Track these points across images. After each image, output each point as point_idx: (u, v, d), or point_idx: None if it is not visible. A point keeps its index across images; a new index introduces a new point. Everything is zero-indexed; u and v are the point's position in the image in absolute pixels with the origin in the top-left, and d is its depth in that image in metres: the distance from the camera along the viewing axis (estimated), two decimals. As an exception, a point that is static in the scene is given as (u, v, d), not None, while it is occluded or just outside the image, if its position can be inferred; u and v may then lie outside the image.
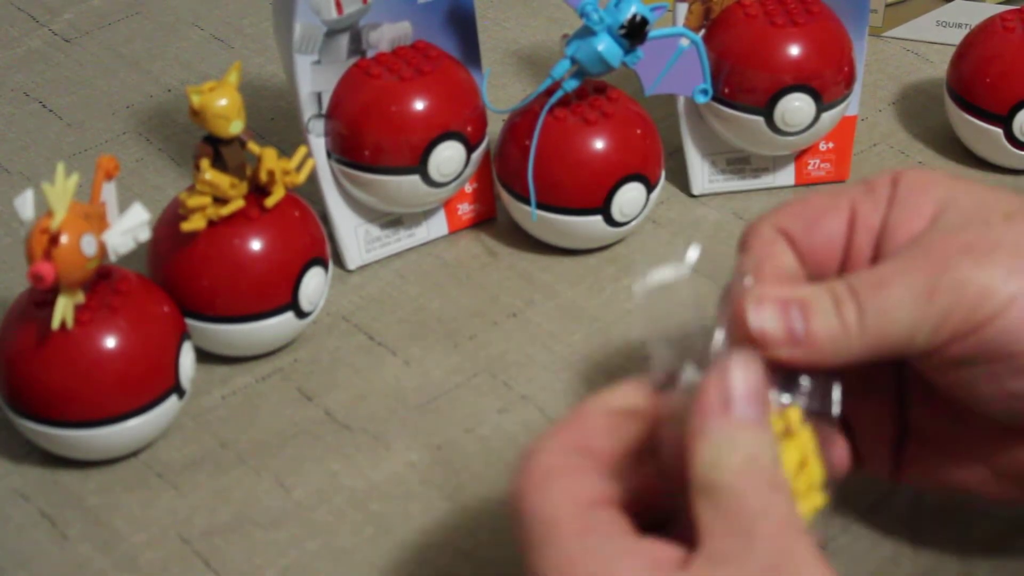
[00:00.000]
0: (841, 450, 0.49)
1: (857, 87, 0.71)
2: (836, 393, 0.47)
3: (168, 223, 0.61)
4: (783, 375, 0.46)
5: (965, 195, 0.49)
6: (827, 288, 0.47)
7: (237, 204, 0.60)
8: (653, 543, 0.42)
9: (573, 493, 0.43)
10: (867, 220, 0.50)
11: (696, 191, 0.72)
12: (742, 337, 0.46)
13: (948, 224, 0.48)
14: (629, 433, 0.45)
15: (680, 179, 0.73)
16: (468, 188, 0.70)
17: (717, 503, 0.41)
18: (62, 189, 0.53)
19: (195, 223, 0.59)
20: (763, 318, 0.46)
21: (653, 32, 0.63)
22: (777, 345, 0.46)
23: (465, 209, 0.70)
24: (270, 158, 0.60)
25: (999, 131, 0.72)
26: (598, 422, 0.45)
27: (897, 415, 0.52)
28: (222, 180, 0.59)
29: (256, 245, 0.60)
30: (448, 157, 0.65)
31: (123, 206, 0.56)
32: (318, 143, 0.66)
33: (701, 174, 0.72)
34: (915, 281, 0.46)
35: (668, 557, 0.41)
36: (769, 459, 0.42)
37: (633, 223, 0.68)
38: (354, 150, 0.65)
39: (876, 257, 0.50)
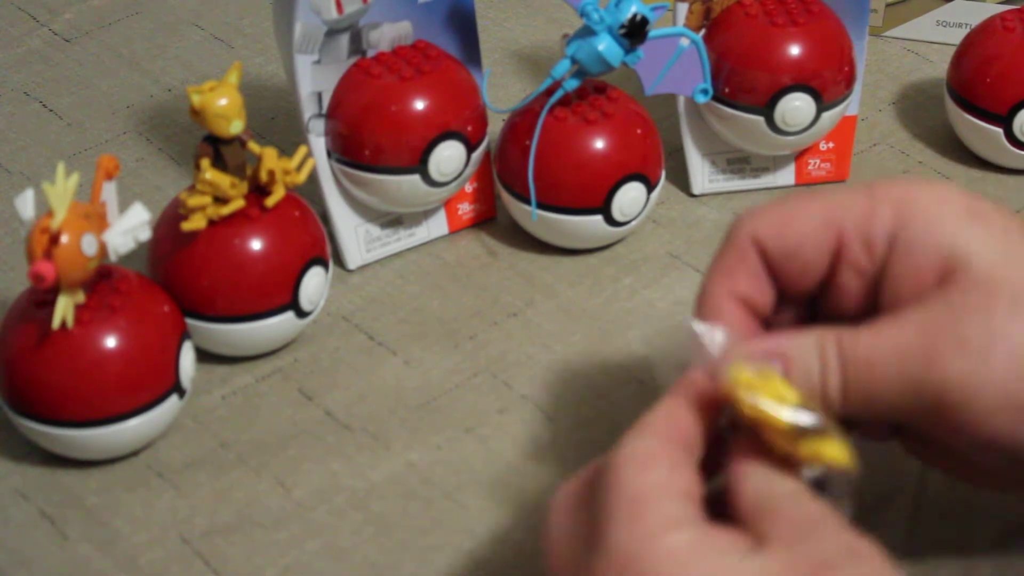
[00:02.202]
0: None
1: (857, 87, 0.71)
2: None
3: (168, 223, 0.61)
4: None
5: (979, 253, 0.46)
6: (816, 349, 0.46)
7: (237, 204, 0.60)
8: (731, 533, 0.43)
9: (669, 479, 0.43)
10: (856, 261, 0.48)
11: (696, 191, 0.72)
12: (720, 388, 0.46)
13: (952, 301, 0.46)
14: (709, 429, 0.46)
15: (680, 179, 0.73)
16: (468, 188, 0.70)
17: (781, 515, 0.43)
18: (62, 189, 0.53)
19: (195, 223, 0.59)
20: (739, 368, 0.45)
21: (653, 32, 0.63)
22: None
23: (465, 209, 0.70)
24: (270, 158, 0.60)
25: (999, 131, 0.72)
26: (689, 417, 0.45)
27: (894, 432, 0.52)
28: (222, 180, 0.59)
29: (256, 245, 0.60)
30: (448, 157, 0.65)
31: (123, 206, 0.56)
32: (318, 143, 0.66)
33: (701, 174, 0.72)
34: (906, 371, 0.45)
35: (745, 544, 0.42)
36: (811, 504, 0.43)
37: (633, 223, 0.68)
38: (354, 150, 0.65)
39: (873, 294, 0.48)
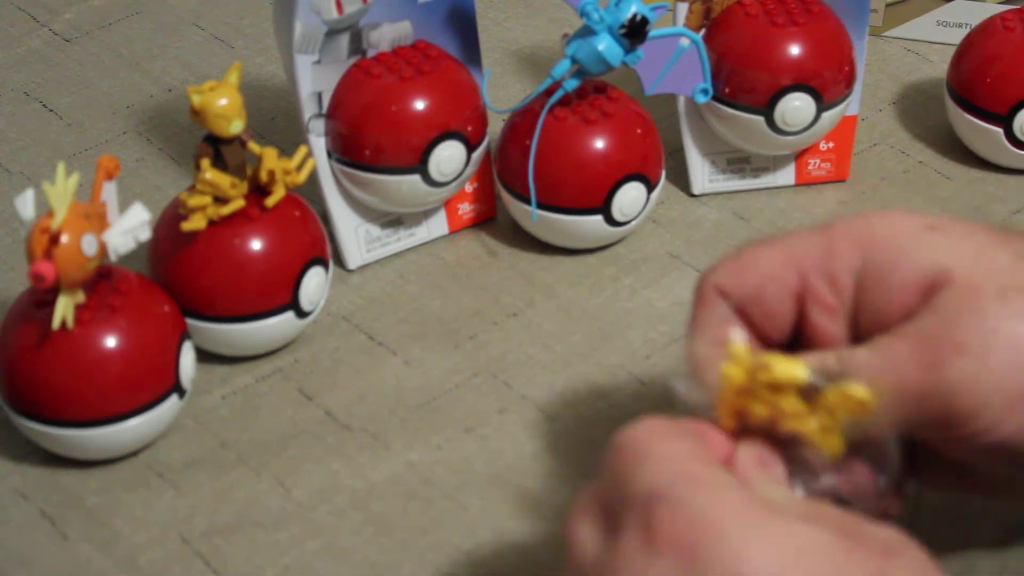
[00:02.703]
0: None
1: (857, 87, 0.71)
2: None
3: (168, 223, 0.61)
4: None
5: (956, 262, 0.46)
6: (817, 360, 0.46)
7: (237, 204, 0.60)
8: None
9: (696, 450, 0.43)
10: (823, 299, 0.48)
11: (696, 191, 0.72)
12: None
13: (941, 310, 0.45)
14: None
15: (680, 179, 0.73)
16: (468, 188, 0.69)
17: None
18: (63, 189, 0.53)
19: (195, 223, 0.59)
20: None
21: (653, 32, 0.63)
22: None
23: (465, 209, 0.70)
24: (270, 158, 0.60)
25: (999, 131, 0.72)
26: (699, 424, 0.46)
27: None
28: (222, 180, 0.59)
29: (256, 245, 0.60)
30: (448, 157, 0.65)
31: (123, 206, 0.56)
32: (318, 143, 0.66)
33: (701, 174, 0.72)
34: (908, 382, 0.45)
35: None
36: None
37: (633, 223, 0.68)
38: (354, 150, 0.65)
39: (853, 329, 0.48)
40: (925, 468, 0.50)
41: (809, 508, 0.42)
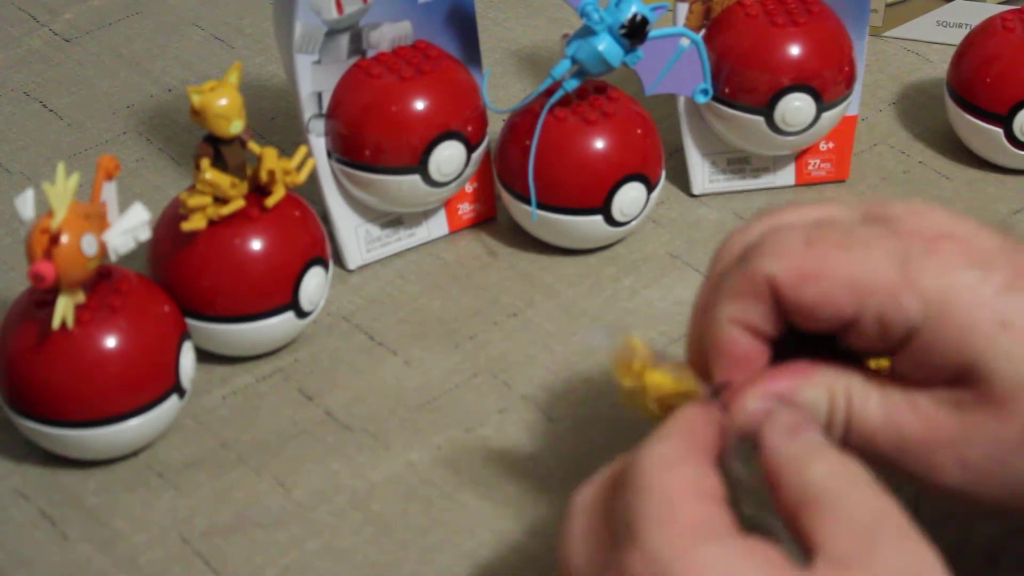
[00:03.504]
0: None
1: (857, 87, 0.71)
2: None
3: (168, 223, 0.61)
4: None
5: (1000, 373, 0.44)
6: (826, 395, 0.46)
7: (237, 204, 0.60)
8: (765, 545, 0.41)
9: (697, 481, 0.43)
10: (886, 322, 0.45)
11: (696, 191, 0.72)
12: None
13: (962, 413, 0.45)
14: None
15: (680, 179, 0.73)
16: (468, 188, 0.69)
17: (831, 511, 0.41)
18: (63, 189, 0.53)
19: (195, 223, 0.59)
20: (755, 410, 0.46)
21: (653, 32, 0.63)
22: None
23: (465, 209, 0.70)
24: (270, 158, 0.60)
25: (999, 131, 0.72)
26: (705, 426, 0.45)
27: None
28: (222, 180, 0.59)
29: (256, 245, 0.60)
30: (448, 157, 0.65)
31: (123, 206, 0.56)
32: (318, 143, 0.66)
33: (701, 174, 0.72)
34: (905, 456, 0.46)
35: (783, 560, 0.41)
36: (856, 469, 0.43)
37: (633, 223, 0.68)
38: (354, 150, 0.65)
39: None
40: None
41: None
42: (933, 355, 0.45)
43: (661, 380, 0.48)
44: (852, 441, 0.46)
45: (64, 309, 0.54)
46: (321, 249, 0.63)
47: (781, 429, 0.44)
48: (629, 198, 0.66)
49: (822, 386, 0.46)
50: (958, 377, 0.45)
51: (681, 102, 0.71)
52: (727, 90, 0.69)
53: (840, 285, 0.45)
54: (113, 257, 0.55)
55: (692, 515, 0.42)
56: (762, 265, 0.46)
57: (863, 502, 0.42)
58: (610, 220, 0.67)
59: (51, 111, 0.78)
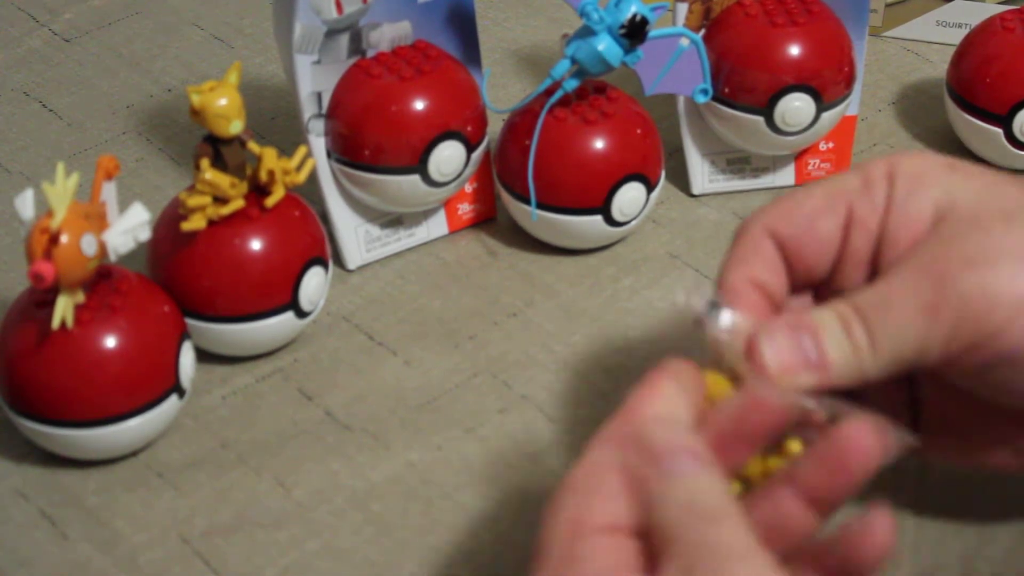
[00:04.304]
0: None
1: (857, 87, 0.71)
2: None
3: (168, 223, 0.61)
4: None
5: (963, 194, 0.49)
6: (834, 311, 0.47)
7: (237, 204, 0.60)
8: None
9: (580, 517, 0.43)
10: (864, 222, 0.50)
11: (696, 191, 0.72)
12: (757, 369, 0.46)
13: (948, 233, 0.48)
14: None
15: (680, 179, 0.73)
16: (468, 188, 0.70)
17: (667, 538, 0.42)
18: (62, 189, 0.53)
19: (195, 223, 0.59)
20: (777, 349, 0.46)
21: (653, 32, 0.63)
22: (794, 373, 0.46)
23: (465, 209, 0.70)
24: (270, 158, 0.60)
25: (999, 131, 0.72)
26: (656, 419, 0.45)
27: (909, 402, 0.52)
28: (222, 180, 0.59)
29: (256, 245, 0.60)
30: (448, 157, 0.65)
31: (123, 206, 0.56)
32: (318, 143, 0.66)
33: (701, 174, 0.72)
34: (920, 299, 0.47)
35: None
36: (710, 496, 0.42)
37: (633, 223, 0.68)
38: (354, 150, 0.65)
39: (875, 262, 0.50)
40: (927, 434, 0.51)
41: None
42: (907, 212, 0.49)
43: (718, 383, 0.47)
44: (878, 338, 0.47)
45: (64, 309, 0.54)
46: (321, 249, 0.63)
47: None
48: (629, 198, 0.66)
49: (823, 307, 0.48)
50: (933, 224, 0.49)
51: (681, 102, 0.71)
52: (727, 90, 0.69)
53: (822, 198, 0.50)
54: (113, 257, 0.55)
55: (560, 554, 0.42)
56: (755, 221, 0.51)
57: (694, 533, 0.42)
58: (610, 220, 0.67)
59: (51, 111, 0.78)
